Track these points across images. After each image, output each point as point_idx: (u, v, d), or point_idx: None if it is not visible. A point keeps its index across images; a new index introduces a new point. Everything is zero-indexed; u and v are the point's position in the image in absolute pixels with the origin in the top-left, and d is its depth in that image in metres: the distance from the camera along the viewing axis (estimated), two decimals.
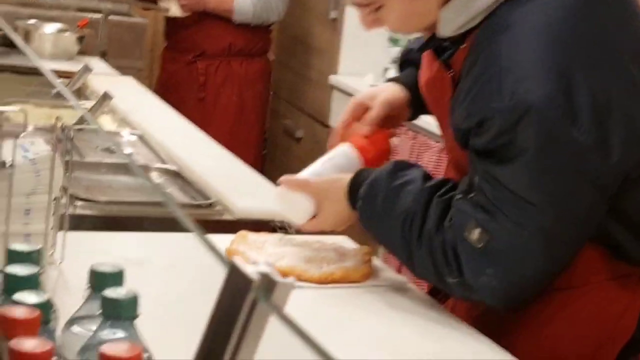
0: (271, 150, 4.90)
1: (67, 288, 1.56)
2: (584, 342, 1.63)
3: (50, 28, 3.79)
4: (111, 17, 4.03)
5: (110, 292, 0.99)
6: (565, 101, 1.47)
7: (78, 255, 1.71)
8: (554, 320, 1.64)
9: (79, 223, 2.03)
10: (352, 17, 4.24)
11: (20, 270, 1.04)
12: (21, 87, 3.41)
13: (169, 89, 4.30)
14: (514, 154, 1.49)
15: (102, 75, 3.44)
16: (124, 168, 2.47)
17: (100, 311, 0.99)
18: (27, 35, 3.70)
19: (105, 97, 2.92)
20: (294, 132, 4.63)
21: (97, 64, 3.67)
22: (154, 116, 2.98)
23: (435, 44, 1.70)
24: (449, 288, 1.63)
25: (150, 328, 1.07)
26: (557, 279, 1.61)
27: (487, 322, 1.67)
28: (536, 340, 1.64)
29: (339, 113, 4.16)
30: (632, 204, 1.60)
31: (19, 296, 0.97)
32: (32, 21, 3.81)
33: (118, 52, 3.99)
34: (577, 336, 1.63)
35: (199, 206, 2.22)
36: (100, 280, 1.05)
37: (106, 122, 2.95)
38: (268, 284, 0.55)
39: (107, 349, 0.87)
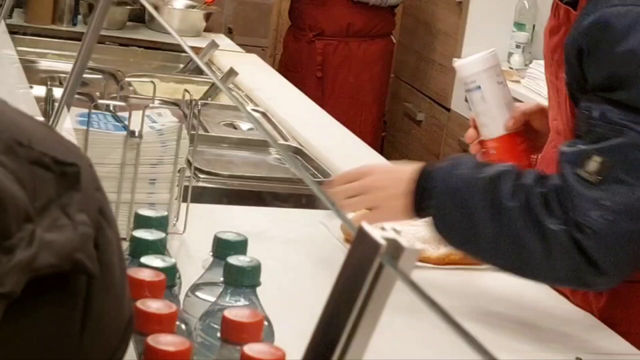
0: (391, 132, 4.89)
1: (190, 257, 1.59)
2: None
3: (179, 3, 3.85)
4: None
5: (234, 260, 1.00)
6: None
7: (200, 226, 1.75)
8: (629, 317, 1.60)
9: (201, 195, 2.08)
10: (477, 0, 4.20)
11: (147, 235, 1.06)
12: (148, 62, 3.49)
13: (290, 68, 4.33)
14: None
15: (227, 52, 3.48)
16: (246, 143, 2.51)
17: (223, 278, 1.01)
18: (155, 10, 3.77)
19: (231, 72, 2.96)
20: (415, 115, 4.61)
21: (223, 41, 3.71)
22: (277, 94, 3.00)
23: None
24: (546, 240, 1.45)
25: (272, 297, 1.09)
26: None
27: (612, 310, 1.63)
28: None
29: (461, 97, 4.15)
30: None
31: (145, 260, 0.99)
32: None
33: (243, 29, 4.03)
34: None
35: (319, 183, 2.23)
36: (224, 247, 1.07)
37: (229, 99, 2.98)
38: (395, 250, 0.55)
39: (229, 314, 0.88)
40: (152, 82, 1.99)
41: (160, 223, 1.10)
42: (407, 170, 1.58)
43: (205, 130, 2.55)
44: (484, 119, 1.78)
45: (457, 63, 1.82)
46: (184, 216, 1.75)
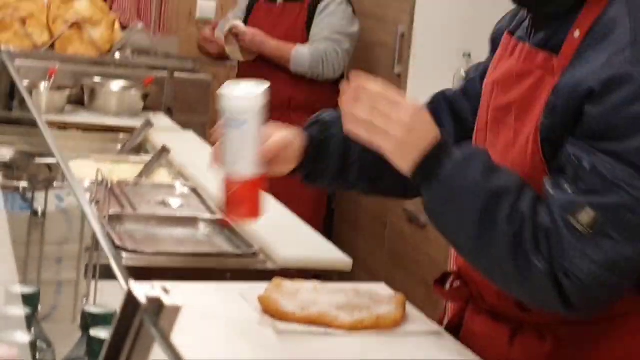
0: (340, 204, 4.89)
1: None
2: None
3: (116, 86, 3.87)
4: (177, 75, 4.10)
5: (96, 332, 0.99)
6: None
7: (114, 304, 1.73)
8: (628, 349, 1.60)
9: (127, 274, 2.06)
10: (416, 72, 4.24)
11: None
12: (87, 144, 3.49)
13: None
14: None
15: (164, 130, 3.49)
16: (175, 220, 2.50)
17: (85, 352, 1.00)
18: (93, 93, 3.79)
19: (163, 150, 2.98)
20: None
21: (161, 120, 3.73)
22: (209, 169, 3.01)
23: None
24: (527, 272, 1.49)
25: None
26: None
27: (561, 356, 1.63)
28: None
29: None
30: None
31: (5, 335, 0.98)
32: (98, 79, 3.89)
33: (183, 107, 4.05)
34: None
35: (241, 255, 2.23)
36: (90, 321, 1.06)
37: (163, 176, 2.99)
38: (156, 308, 0.55)
39: None
40: (62, 160, 1.98)
41: (31, 300, 1.09)
42: (430, 133, 1.56)
43: (134, 209, 2.55)
44: (235, 157, 1.69)
45: (227, 91, 1.67)
46: (93, 295, 1.73)
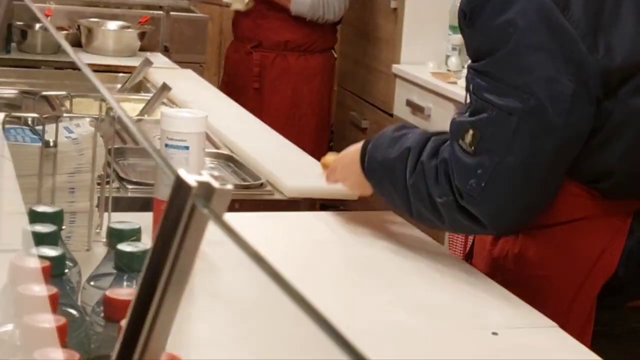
0: (338, 141, 4.91)
1: None
2: (566, 280, 1.68)
3: (113, 25, 3.86)
4: (172, 14, 4.09)
5: (123, 246, 1.02)
6: None
7: None
8: (542, 260, 1.70)
9: (131, 205, 2.08)
10: (412, 5, 4.24)
11: (41, 228, 1.07)
12: (84, 84, 3.49)
13: (230, 79, 4.36)
14: (506, 35, 1.56)
15: (162, 69, 3.50)
16: None
17: (114, 265, 1.02)
18: (90, 33, 3.78)
19: (164, 88, 2.98)
20: (360, 123, 4.64)
21: (159, 59, 3.73)
22: (211, 105, 3.02)
23: None
24: (438, 212, 1.67)
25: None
26: (542, 208, 1.66)
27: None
28: (526, 280, 1.71)
29: (402, 102, 4.18)
30: (616, 140, 1.63)
31: (35, 250, 1.01)
32: (94, 19, 3.88)
33: (180, 47, 4.04)
34: (560, 275, 1.69)
35: (249, 187, 2.25)
36: (116, 237, 1.08)
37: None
38: (207, 191, 0.57)
39: (110, 293, 0.89)
40: (68, 95, 1.99)
41: (55, 217, 1.11)
42: (356, 157, 1.85)
43: (136, 144, 2.56)
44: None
45: (170, 113, 1.76)
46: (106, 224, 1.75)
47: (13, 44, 3.60)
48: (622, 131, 1.62)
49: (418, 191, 1.68)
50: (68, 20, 3.82)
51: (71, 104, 1.98)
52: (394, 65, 4.29)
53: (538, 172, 1.60)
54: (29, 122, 1.81)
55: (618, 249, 1.67)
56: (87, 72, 1.47)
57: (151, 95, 3.07)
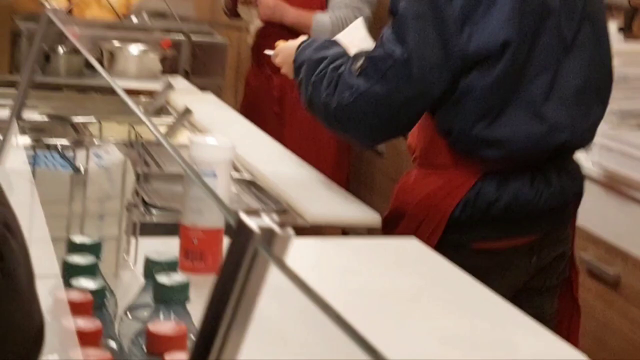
0: (356, 166, 4.93)
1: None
2: (412, 218, 2.15)
3: (135, 49, 3.89)
4: (193, 38, 4.13)
5: (161, 278, 1.03)
6: None
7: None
8: (410, 191, 2.19)
9: (157, 230, 2.11)
10: None
11: (78, 259, 1.09)
12: (106, 107, 3.52)
13: (251, 104, 4.38)
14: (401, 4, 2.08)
15: (183, 93, 3.53)
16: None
17: (153, 297, 1.04)
18: (112, 57, 3.82)
19: (186, 112, 3.01)
20: (376, 148, 4.66)
21: (180, 83, 3.76)
22: (232, 129, 3.05)
23: None
24: (322, 108, 2.16)
25: None
26: (391, 135, 2.20)
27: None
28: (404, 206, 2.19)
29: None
30: (467, 105, 2.08)
31: (75, 282, 1.02)
32: (117, 43, 3.92)
33: (200, 70, 4.08)
34: (412, 205, 2.16)
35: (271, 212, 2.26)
36: (153, 268, 1.10)
37: (186, 137, 3.02)
38: (269, 236, 0.59)
39: (152, 327, 0.91)
40: (99, 122, 2.02)
41: (94, 248, 1.13)
42: (292, 50, 2.38)
43: (162, 168, 2.59)
44: (200, 206, 1.73)
45: (198, 140, 1.80)
46: (134, 251, 1.77)
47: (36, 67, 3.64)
48: (464, 99, 2.08)
49: (317, 88, 2.18)
50: (91, 43, 3.86)
51: (101, 130, 2.00)
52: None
53: (394, 106, 2.07)
54: (58, 148, 1.83)
55: (459, 195, 2.12)
56: (123, 94, 1.49)
57: (173, 118, 3.10)
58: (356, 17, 4.28)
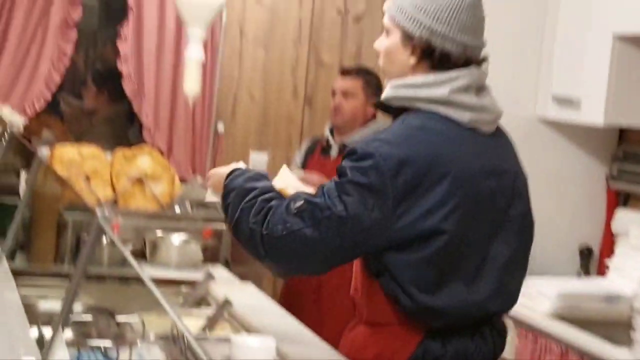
0: None
1: None
2: None
3: (176, 239, 3.97)
4: None
5: None
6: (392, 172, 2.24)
7: None
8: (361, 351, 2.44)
9: None
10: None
11: None
12: (149, 297, 3.56)
13: (290, 291, 4.40)
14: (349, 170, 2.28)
15: (224, 283, 3.57)
16: None
17: None
18: (154, 247, 3.89)
19: (225, 303, 3.04)
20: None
21: (220, 272, 3.82)
22: (271, 322, 3.07)
23: None
24: (247, 235, 2.31)
25: None
26: (311, 274, 2.54)
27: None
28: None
29: None
30: (398, 268, 2.28)
31: None
32: (159, 233, 4.00)
33: (241, 259, 4.13)
34: None
35: None
36: None
37: (226, 329, 3.05)
38: None
39: None
40: (141, 321, 2.07)
41: None
42: (223, 176, 2.51)
43: None
44: None
45: (238, 342, 2.08)
46: None
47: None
48: (404, 269, 2.28)
49: (245, 214, 2.32)
50: (134, 233, 3.94)
51: (144, 330, 2.05)
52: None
53: (321, 251, 2.24)
54: (101, 349, 1.87)
55: (407, 352, 2.33)
56: (157, 293, 1.53)
57: (212, 309, 3.13)
58: None
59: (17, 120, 4.08)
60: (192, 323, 3.06)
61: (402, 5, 2.39)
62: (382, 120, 4.60)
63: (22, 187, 4.05)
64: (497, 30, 4.23)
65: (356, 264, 2.50)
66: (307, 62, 5.15)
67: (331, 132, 4.58)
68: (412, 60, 2.37)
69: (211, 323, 3.00)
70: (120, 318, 2.84)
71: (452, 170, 2.25)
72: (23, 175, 4.09)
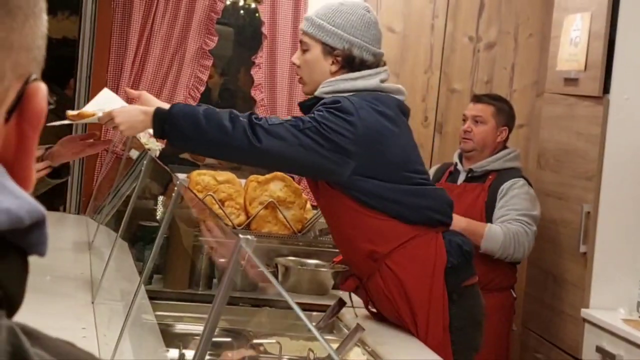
0: None
1: None
2: (421, 280, 3.05)
3: (308, 264, 4.01)
4: None
5: None
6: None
7: None
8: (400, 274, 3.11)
9: None
10: (602, 250, 4.24)
11: None
12: (279, 321, 3.61)
13: None
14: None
15: (353, 308, 3.59)
16: None
17: None
18: (286, 271, 3.94)
19: (357, 330, 3.06)
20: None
21: (347, 298, 3.82)
22: (400, 349, 3.08)
23: None
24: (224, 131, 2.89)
25: None
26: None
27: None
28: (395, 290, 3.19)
29: (591, 347, 4.12)
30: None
31: None
32: (291, 258, 4.05)
33: None
34: (415, 277, 3.05)
35: None
36: None
37: (356, 355, 3.06)
38: None
39: None
40: (278, 342, 2.10)
41: None
42: (138, 110, 2.95)
43: None
44: None
45: None
46: None
47: (215, 281, 3.78)
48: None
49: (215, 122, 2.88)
50: (266, 257, 4.00)
51: (280, 350, 2.08)
52: (583, 310, 4.26)
53: (291, 160, 2.95)
54: None
55: (442, 250, 3.01)
56: (299, 312, 1.56)
57: (344, 335, 3.15)
58: (526, 232, 4.34)
59: (154, 146, 4.19)
60: (323, 349, 3.09)
61: (320, 24, 3.03)
62: (512, 148, 4.58)
63: (160, 211, 4.16)
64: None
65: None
66: (437, 89, 5.16)
67: (460, 158, 4.58)
68: (334, 67, 3.05)
69: (342, 348, 3.02)
70: (256, 340, 2.89)
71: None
72: (160, 200, 4.20)
